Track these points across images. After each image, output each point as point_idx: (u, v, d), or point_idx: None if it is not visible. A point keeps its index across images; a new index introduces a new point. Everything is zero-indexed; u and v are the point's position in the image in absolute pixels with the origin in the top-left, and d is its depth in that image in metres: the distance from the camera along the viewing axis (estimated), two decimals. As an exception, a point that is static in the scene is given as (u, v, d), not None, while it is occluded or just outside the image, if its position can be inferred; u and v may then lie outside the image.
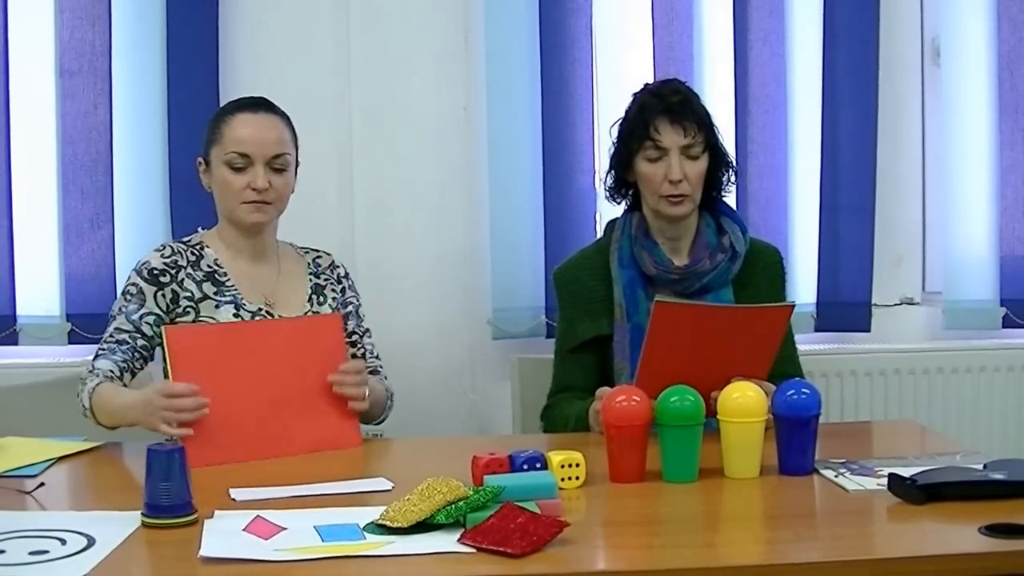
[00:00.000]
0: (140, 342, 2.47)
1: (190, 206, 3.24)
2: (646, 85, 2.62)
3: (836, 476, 2.02)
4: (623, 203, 2.64)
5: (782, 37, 3.43)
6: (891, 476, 1.89)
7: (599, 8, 3.39)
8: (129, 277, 2.52)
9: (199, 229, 2.61)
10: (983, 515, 1.73)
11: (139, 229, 3.27)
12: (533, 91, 3.35)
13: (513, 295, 3.36)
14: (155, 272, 2.49)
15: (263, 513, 1.80)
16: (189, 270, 2.52)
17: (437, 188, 3.37)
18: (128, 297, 2.49)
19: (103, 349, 2.46)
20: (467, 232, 3.39)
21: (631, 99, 2.57)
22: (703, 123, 2.51)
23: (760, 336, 2.26)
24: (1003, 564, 1.63)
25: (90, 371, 2.41)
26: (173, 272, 2.50)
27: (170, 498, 1.77)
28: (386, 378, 2.64)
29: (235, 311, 2.49)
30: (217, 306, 2.49)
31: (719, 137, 2.57)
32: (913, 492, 1.85)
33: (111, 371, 2.41)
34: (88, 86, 3.27)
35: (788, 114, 3.45)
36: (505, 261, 3.36)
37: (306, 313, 2.55)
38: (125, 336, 2.46)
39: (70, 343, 3.27)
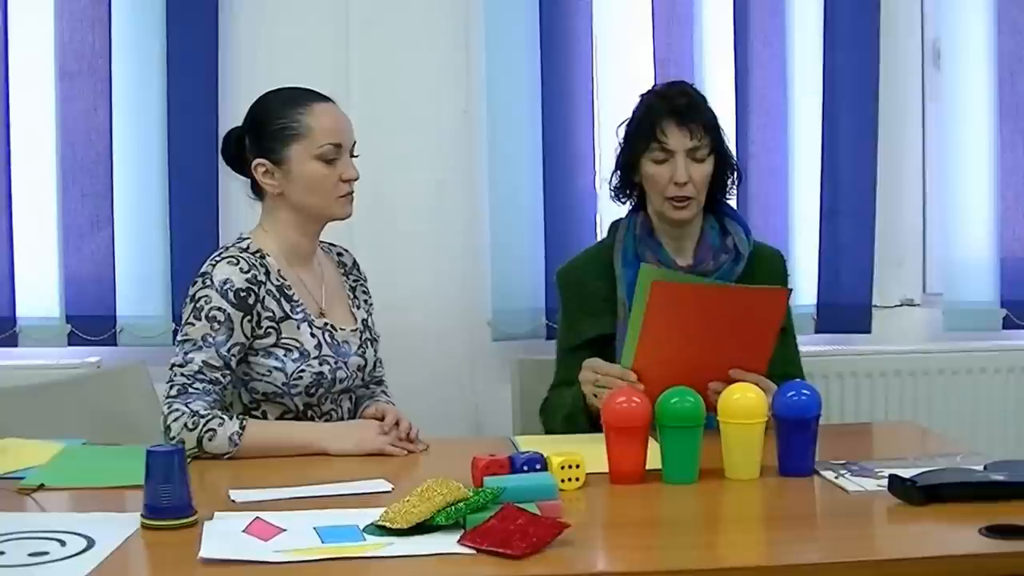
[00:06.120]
0: (228, 378, 2.29)
1: (190, 207, 3.25)
2: (654, 87, 2.62)
3: (836, 477, 2.01)
4: (628, 203, 2.64)
5: (782, 37, 3.43)
6: (891, 477, 1.89)
7: (599, 9, 3.39)
8: (206, 297, 2.29)
9: (240, 234, 2.44)
10: (983, 516, 1.73)
11: (139, 230, 3.27)
12: (533, 93, 3.34)
13: (513, 296, 3.36)
14: (241, 294, 2.29)
15: (263, 514, 1.80)
16: (268, 286, 2.34)
17: (437, 190, 3.37)
18: (215, 325, 2.27)
19: (195, 388, 2.25)
20: (467, 234, 3.39)
21: (638, 100, 2.57)
22: (709, 126, 2.51)
23: (757, 322, 2.26)
24: (1003, 565, 1.63)
25: (190, 413, 2.21)
26: (256, 290, 2.31)
27: (170, 500, 1.76)
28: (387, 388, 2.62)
29: (310, 329, 2.36)
30: (298, 326, 2.35)
31: (725, 140, 2.57)
32: (913, 493, 1.85)
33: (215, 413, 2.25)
34: (88, 87, 3.27)
35: (788, 115, 3.44)
36: (505, 262, 3.36)
37: (355, 329, 2.46)
38: (217, 375, 2.27)
39: (70, 345, 3.26)
